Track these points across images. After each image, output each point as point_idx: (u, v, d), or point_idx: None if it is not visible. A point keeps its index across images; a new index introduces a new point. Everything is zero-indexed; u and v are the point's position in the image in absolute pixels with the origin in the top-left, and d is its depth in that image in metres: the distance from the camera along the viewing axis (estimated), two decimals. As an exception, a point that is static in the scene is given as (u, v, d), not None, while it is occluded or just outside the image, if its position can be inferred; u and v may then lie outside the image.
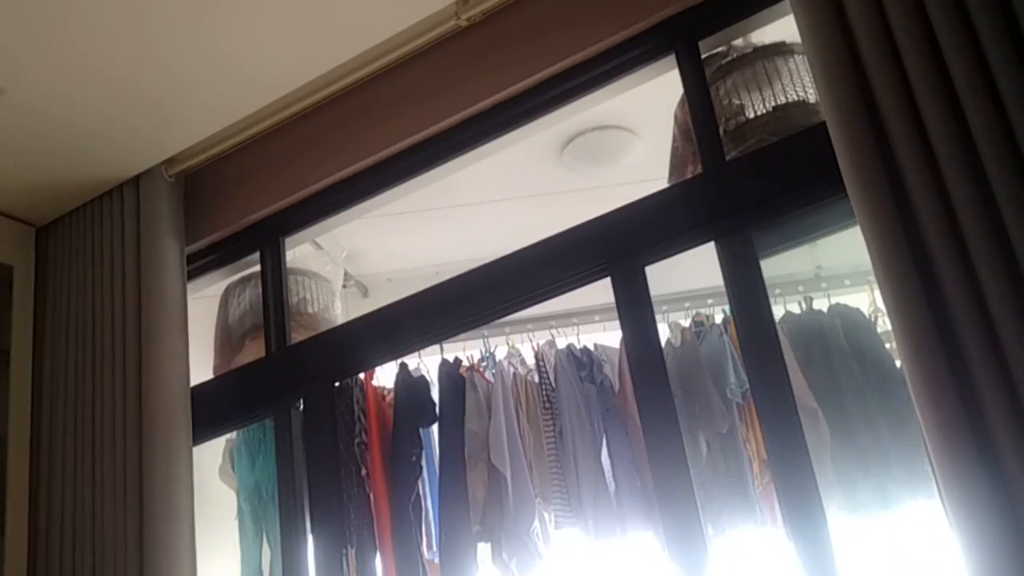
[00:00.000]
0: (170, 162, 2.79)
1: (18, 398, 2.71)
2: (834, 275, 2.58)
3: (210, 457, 2.92)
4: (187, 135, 2.70)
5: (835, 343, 2.35)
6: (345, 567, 2.43)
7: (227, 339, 2.95)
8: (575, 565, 2.69)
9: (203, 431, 2.63)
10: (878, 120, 1.70)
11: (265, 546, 2.79)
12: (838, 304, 2.49)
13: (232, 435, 2.95)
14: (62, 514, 2.54)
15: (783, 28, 2.20)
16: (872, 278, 1.65)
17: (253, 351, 2.84)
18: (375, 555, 2.60)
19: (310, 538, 2.45)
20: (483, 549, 2.63)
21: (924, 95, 1.64)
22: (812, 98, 2.22)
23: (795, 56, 2.27)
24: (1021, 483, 1.43)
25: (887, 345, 2.36)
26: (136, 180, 2.79)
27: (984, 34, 1.59)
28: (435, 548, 2.63)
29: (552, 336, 2.95)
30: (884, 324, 2.43)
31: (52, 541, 2.53)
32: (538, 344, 2.88)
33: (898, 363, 2.29)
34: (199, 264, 2.88)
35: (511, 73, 2.41)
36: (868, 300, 2.53)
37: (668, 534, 1.95)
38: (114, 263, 2.73)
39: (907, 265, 1.60)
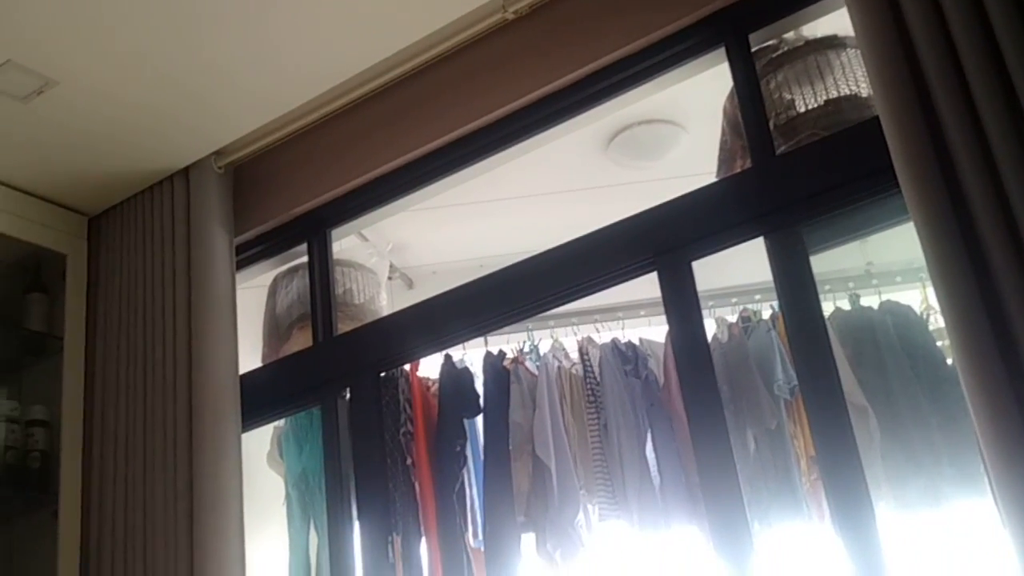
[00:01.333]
0: (219, 154, 2.83)
1: (71, 384, 2.77)
2: (885, 272, 2.55)
3: (258, 444, 2.96)
4: (237, 127, 2.74)
5: (886, 340, 2.32)
6: (391, 553, 2.45)
7: (275, 328, 2.99)
8: (619, 556, 2.69)
9: (251, 418, 2.66)
10: (932, 114, 1.67)
11: (312, 532, 2.83)
12: (889, 301, 2.46)
13: (280, 422, 2.99)
14: (113, 497, 2.59)
15: (835, 21, 2.18)
16: (924, 275, 1.63)
17: (301, 340, 2.87)
18: (420, 542, 2.63)
19: (356, 524, 2.48)
20: (527, 539, 2.65)
21: (980, 89, 1.62)
22: (864, 92, 2.19)
23: (847, 50, 2.24)
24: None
25: (939, 343, 2.33)
26: (186, 171, 2.83)
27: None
28: (480, 536, 2.66)
29: (598, 331, 2.95)
30: (936, 322, 2.40)
31: (104, 523, 2.59)
32: (582, 338, 2.88)
33: (950, 361, 2.26)
34: (248, 254, 2.92)
35: (558, 67, 2.41)
36: (920, 297, 2.50)
37: (714, 529, 1.95)
38: (164, 252, 2.77)
39: (961, 262, 1.57)
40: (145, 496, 2.53)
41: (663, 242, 2.18)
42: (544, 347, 2.95)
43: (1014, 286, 1.52)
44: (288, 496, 2.89)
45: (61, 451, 2.68)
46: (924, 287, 2.47)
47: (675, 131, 3.11)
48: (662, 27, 2.28)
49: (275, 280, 3.09)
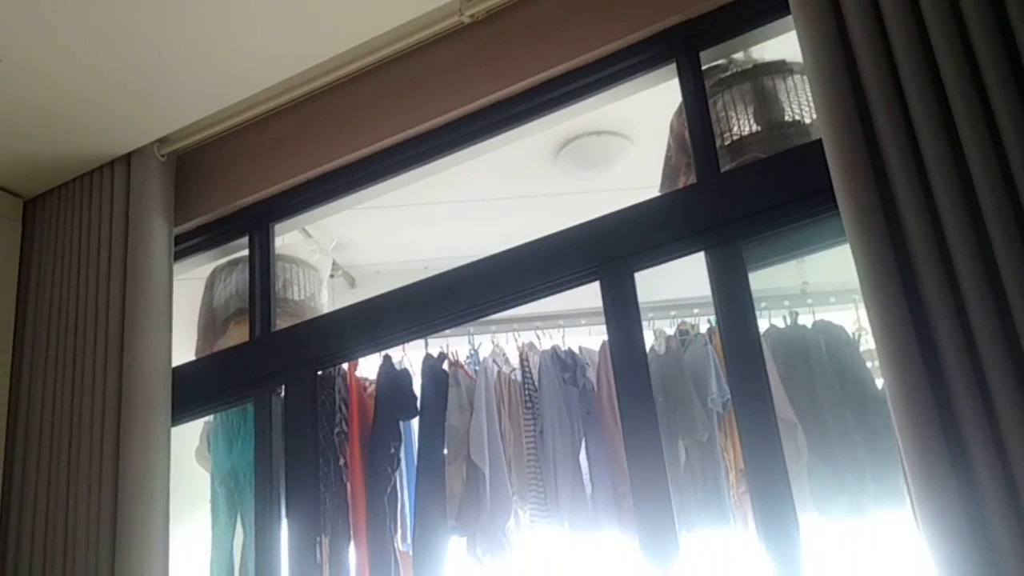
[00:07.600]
0: (163, 141, 2.78)
1: (-3, 369, 2.70)
2: (820, 291, 2.61)
3: (186, 438, 2.91)
4: (181, 115, 2.70)
5: (817, 359, 2.37)
6: (318, 554, 2.43)
7: (211, 322, 2.95)
8: (549, 560, 2.70)
9: (183, 412, 2.62)
10: (873, 140, 1.71)
11: (237, 529, 2.78)
12: (822, 320, 2.51)
13: (210, 418, 2.95)
14: (36, 488, 2.52)
15: (784, 44, 2.22)
16: (858, 296, 1.67)
17: (237, 335, 2.83)
18: (348, 544, 2.60)
19: (284, 524, 2.45)
20: (457, 542, 2.65)
21: (921, 117, 1.66)
22: (808, 119, 2.24)
23: (794, 75, 2.29)
24: (995, 503, 1.45)
25: (869, 364, 2.39)
26: (128, 157, 2.78)
27: (984, 60, 1.61)
28: (409, 540, 2.64)
29: (538, 337, 2.95)
30: (867, 343, 2.46)
31: (25, 514, 2.52)
32: (522, 344, 2.89)
33: (879, 382, 2.32)
34: (187, 245, 2.87)
35: (511, 73, 2.42)
36: (852, 318, 2.55)
37: (642, 535, 1.96)
38: (101, 240, 2.71)
39: (894, 285, 1.61)
40: (70, 486, 2.48)
41: (606, 252, 2.19)
42: (484, 351, 2.95)
43: (944, 311, 1.57)
44: (214, 493, 2.85)
45: (-19, 441, 2.61)
46: (857, 308, 2.53)
47: (624, 143, 3.14)
48: (615, 40, 2.30)
49: (213, 273, 3.04)
